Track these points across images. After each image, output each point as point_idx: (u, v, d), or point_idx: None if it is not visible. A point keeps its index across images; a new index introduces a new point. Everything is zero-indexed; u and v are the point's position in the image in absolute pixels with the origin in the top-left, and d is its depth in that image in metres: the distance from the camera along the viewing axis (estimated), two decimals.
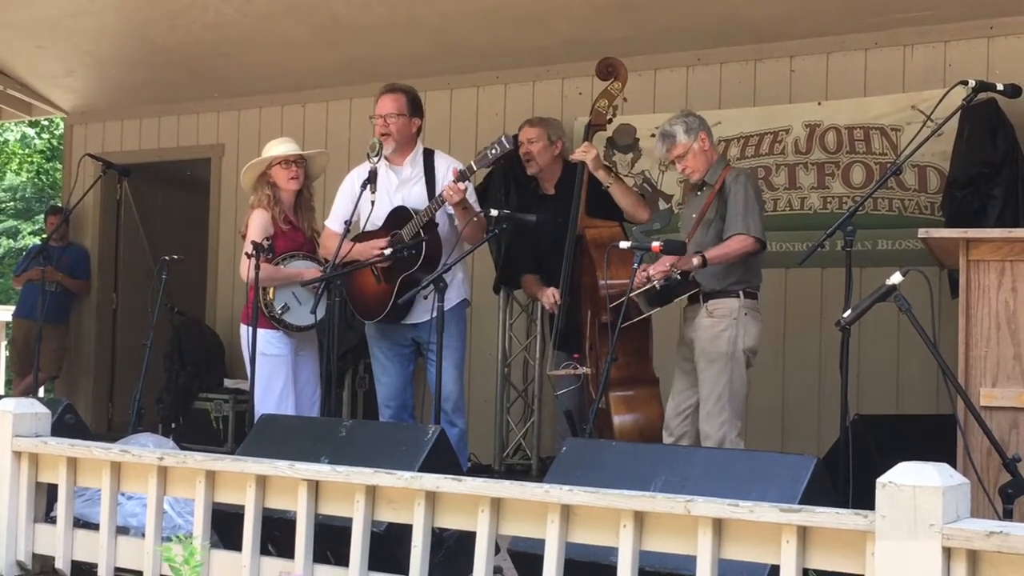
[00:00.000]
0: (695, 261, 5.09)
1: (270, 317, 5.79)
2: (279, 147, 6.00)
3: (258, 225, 5.88)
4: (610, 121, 5.96)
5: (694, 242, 5.26)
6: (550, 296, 5.79)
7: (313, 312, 5.69)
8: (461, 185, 5.39)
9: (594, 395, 5.21)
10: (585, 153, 5.73)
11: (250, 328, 5.72)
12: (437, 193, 5.59)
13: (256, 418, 5.72)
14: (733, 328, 5.26)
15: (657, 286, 5.01)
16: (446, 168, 5.68)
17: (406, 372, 5.81)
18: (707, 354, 5.27)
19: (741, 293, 5.31)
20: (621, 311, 4.78)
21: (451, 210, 5.51)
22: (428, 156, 5.78)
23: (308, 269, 5.86)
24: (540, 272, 6.03)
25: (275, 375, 5.79)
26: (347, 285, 5.68)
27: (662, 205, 7.57)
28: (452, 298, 5.54)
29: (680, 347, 5.48)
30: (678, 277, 5.01)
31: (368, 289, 5.73)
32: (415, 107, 5.75)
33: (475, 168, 5.46)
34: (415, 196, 5.69)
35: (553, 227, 5.76)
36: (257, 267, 5.64)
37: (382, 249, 5.53)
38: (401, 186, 5.73)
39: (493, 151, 5.36)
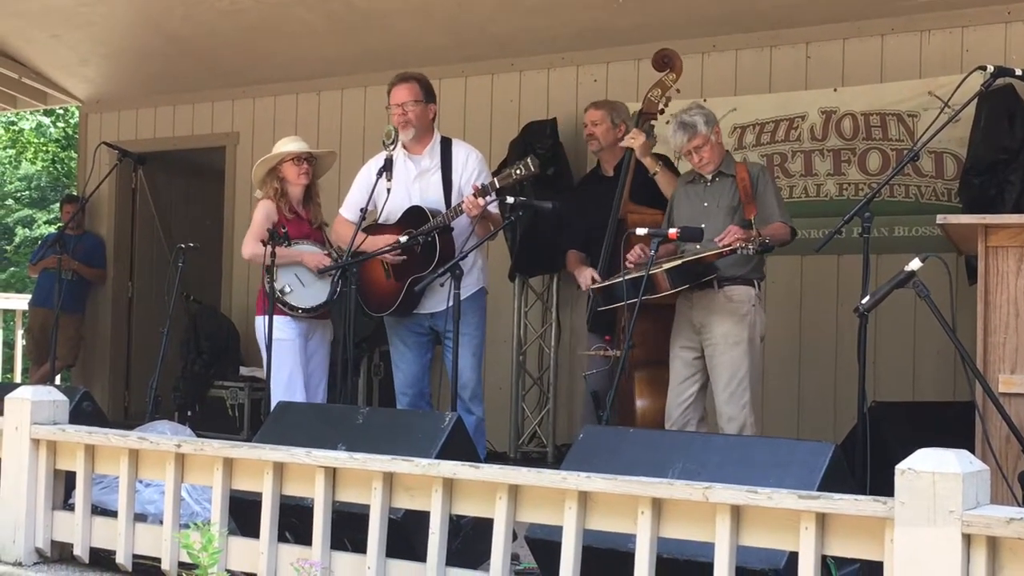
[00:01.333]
0: (764, 235, 5.07)
1: (279, 301, 5.83)
2: (290, 144, 6.08)
3: (263, 212, 5.96)
4: (662, 111, 6.03)
5: (714, 229, 5.26)
6: (588, 277, 5.82)
7: (331, 298, 5.71)
8: (481, 201, 5.39)
9: (624, 377, 5.26)
10: (633, 139, 5.82)
11: (265, 318, 5.76)
12: (455, 184, 5.61)
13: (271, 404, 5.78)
14: (752, 314, 5.35)
15: (751, 251, 4.97)
16: (465, 157, 5.69)
17: (424, 360, 5.82)
18: (729, 337, 5.30)
19: (756, 282, 5.40)
20: (641, 286, 4.80)
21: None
22: (446, 145, 5.78)
23: (312, 251, 5.88)
24: (587, 251, 6.05)
25: (283, 360, 5.81)
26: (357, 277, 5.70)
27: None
28: (471, 286, 5.54)
29: (680, 335, 5.48)
30: (756, 247, 4.98)
31: (377, 284, 5.73)
32: (429, 93, 5.77)
33: (496, 186, 5.45)
34: (432, 187, 5.70)
35: (608, 208, 5.83)
36: (273, 254, 5.66)
37: (395, 242, 5.54)
38: (419, 176, 5.73)
39: (518, 171, 5.37)
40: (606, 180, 6.19)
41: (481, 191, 5.40)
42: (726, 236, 5.09)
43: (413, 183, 5.73)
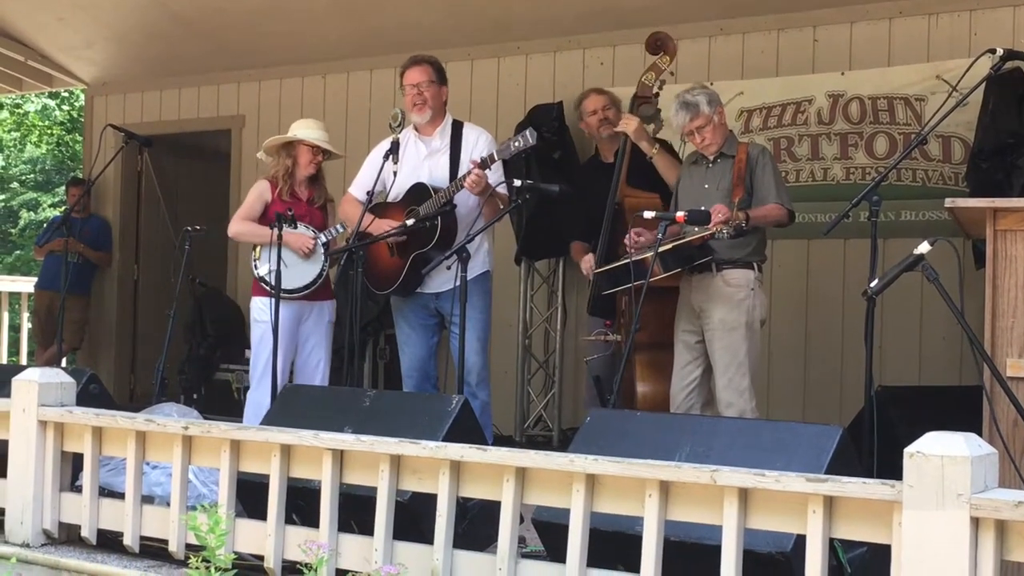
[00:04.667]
0: (741, 216, 5.09)
1: (259, 279, 5.84)
2: (312, 132, 6.09)
3: (256, 191, 6.08)
4: (657, 95, 6.00)
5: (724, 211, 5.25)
6: (587, 262, 5.83)
7: (318, 279, 5.79)
8: (481, 173, 5.39)
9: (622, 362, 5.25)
10: (627, 124, 5.80)
11: (254, 298, 5.89)
12: (463, 164, 5.61)
13: (252, 385, 5.89)
14: (751, 298, 5.32)
15: (726, 235, 4.99)
16: (475, 139, 5.71)
17: (430, 343, 5.82)
18: (727, 322, 5.28)
19: (755, 265, 5.37)
20: (648, 272, 4.80)
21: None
22: (457, 127, 5.80)
23: (299, 233, 5.88)
24: (590, 239, 6.05)
25: (263, 342, 5.83)
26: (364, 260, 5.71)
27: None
28: (476, 268, 5.54)
29: (682, 319, 5.47)
30: (731, 231, 5.00)
31: (381, 261, 5.74)
32: (441, 75, 5.81)
33: (496, 158, 5.45)
34: (440, 168, 5.71)
35: (607, 195, 5.82)
36: (279, 237, 5.66)
37: (401, 224, 5.55)
38: (429, 156, 5.75)
39: (516, 143, 5.37)
40: (605, 167, 6.17)
41: (480, 164, 5.40)
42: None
43: (423, 163, 5.74)
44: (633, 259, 5.11)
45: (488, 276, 5.79)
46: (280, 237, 5.67)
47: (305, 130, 6.08)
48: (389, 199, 5.78)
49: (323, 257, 5.91)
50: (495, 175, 5.51)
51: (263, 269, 5.84)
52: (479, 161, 5.42)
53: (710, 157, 5.45)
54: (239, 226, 6.07)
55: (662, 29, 6.07)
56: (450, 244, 5.42)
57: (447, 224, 5.52)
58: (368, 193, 5.70)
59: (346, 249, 5.55)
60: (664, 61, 5.96)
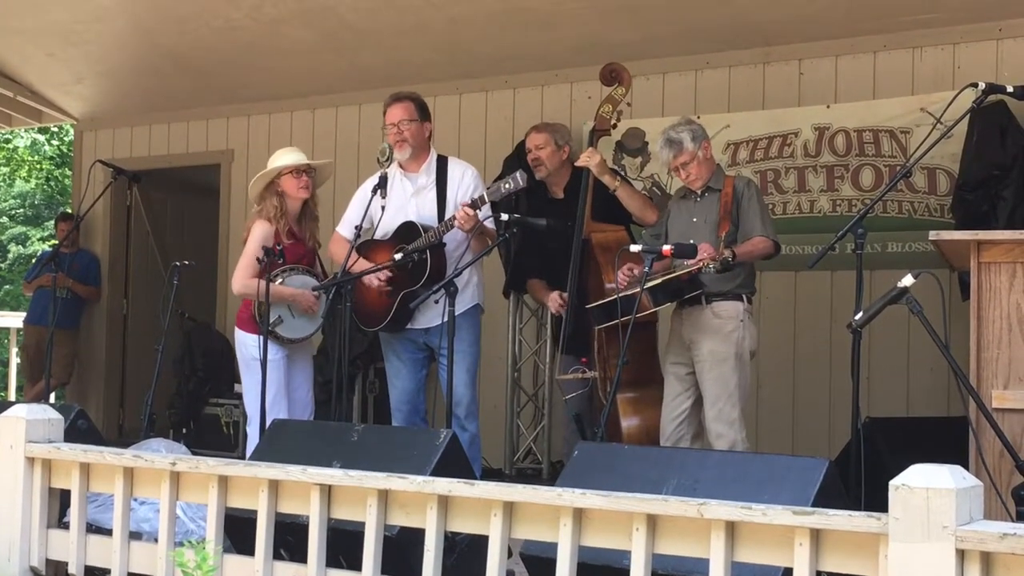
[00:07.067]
0: (726, 252, 5.09)
1: (269, 330, 5.82)
2: (288, 156, 5.99)
3: (258, 238, 5.87)
4: (615, 126, 6.00)
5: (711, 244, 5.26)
6: (555, 300, 5.83)
7: (322, 317, 5.74)
8: (471, 212, 5.40)
9: (603, 398, 5.23)
10: (589, 159, 5.75)
11: (246, 334, 5.83)
12: (450, 200, 5.64)
13: (251, 422, 5.79)
14: (740, 330, 5.33)
15: (713, 269, 5.01)
16: (460, 174, 5.72)
17: (419, 376, 5.83)
18: (716, 354, 5.29)
19: (744, 297, 5.40)
20: (635, 306, 4.81)
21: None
22: (442, 163, 5.82)
23: (306, 287, 5.86)
24: (547, 276, 6.04)
25: (268, 380, 5.78)
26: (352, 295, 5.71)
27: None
28: (465, 302, 5.56)
29: (672, 352, 5.49)
30: (718, 267, 5.02)
31: (370, 298, 5.74)
32: (424, 111, 5.81)
33: (487, 200, 5.47)
34: (427, 205, 5.73)
35: (561, 231, 5.78)
36: (268, 274, 5.65)
37: (379, 283, 5.60)
38: (416, 194, 5.77)
39: (507, 185, 5.40)
40: (556, 202, 6.13)
41: (471, 205, 5.41)
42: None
43: (409, 200, 5.75)
44: (627, 293, 5.12)
45: (478, 309, 5.80)
46: (269, 275, 5.65)
47: (281, 159, 5.98)
48: (377, 236, 5.78)
49: (323, 307, 5.90)
50: (483, 212, 5.53)
51: (272, 319, 5.77)
52: (470, 203, 5.44)
53: (697, 191, 5.48)
54: (246, 287, 5.86)
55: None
56: (439, 280, 5.43)
57: (436, 263, 5.53)
58: (356, 228, 5.70)
59: (334, 283, 5.55)
60: (619, 92, 5.95)
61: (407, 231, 5.65)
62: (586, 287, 5.74)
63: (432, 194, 5.75)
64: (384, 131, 5.81)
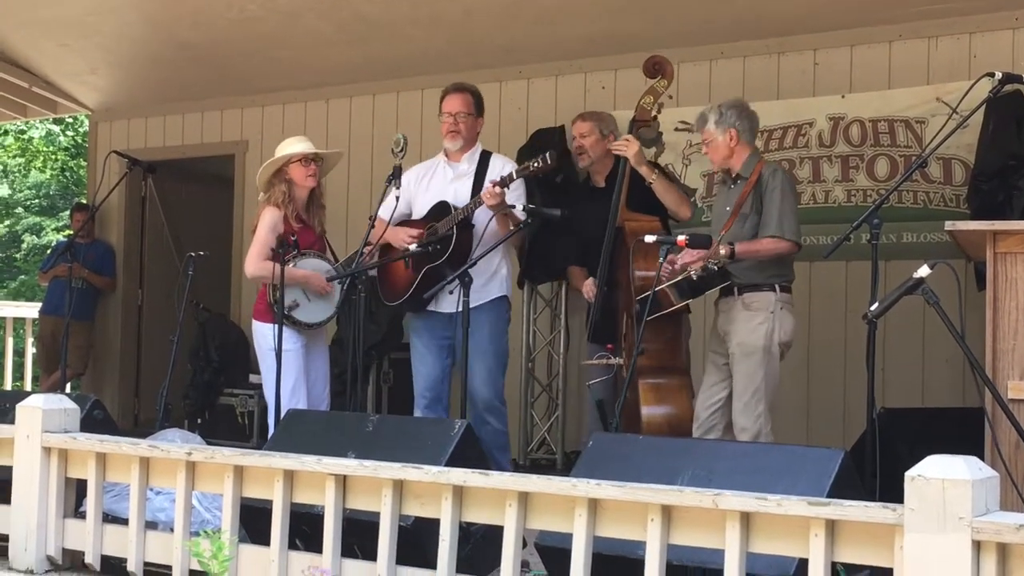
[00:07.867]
0: (723, 251, 5.07)
1: (285, 314, 5.83)
2: (297, 145, 6.01)
3: (268, 223, 5.89)
4: (655, 118, 5.98)
5: (730, 234, 5.24)
6: (588, 287, 5.83)
7: (337, 307, 5.74)
8: (497, 189, 5.41)
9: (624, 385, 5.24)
10: (624, 147, 5.74)
11: (264, 324, 5.83)
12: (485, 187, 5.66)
13: (270, 413, 5.78)
14: (770, 322, 5.25)
15: (694, 276, 5.01)
16: (500, 168, 5.75)
17: (443, 363, 5.81)
18: (744, 347, 5.25)
19: (777, 287, 5.31)
20: (647, 303, 4.80)
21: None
22: (485, 156, 5.88)
23: (318, 270, 5.88)
24: (587, 264, 6.04)
25: (287, 370, 5.79)
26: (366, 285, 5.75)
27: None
28: (492, 291, 5.61)
29: (712, 340, 5.48)
30: (714, 268, 5.02)
31: (395, 273, 5.80)
32: (480, 107, 5.88)
33: (515, 176, 5.48)
34: (462, 191, 5.77)
35: (602, 219, 5.79)
36: (283, 262, 5.66)
37: (411, 241, 5.62)
38: (455, 179, 5.84)
39: (535, 164, 5.40)
40: (597, 192, 6.12)
41: (500, 182, 5.43)
42: (678, 260, 5.14)
43: (449, 185, 5.82)
44: (666, 285, 5.12)
45: (505, 301, 5.79)
46: (283, 263, 5.66)
47: (290, 148, 6.00)
48: (414, 217, 5.85)
49: (338, 294, 5.91)
50: (513, 194, 5.53)
51: (287, 303, 5.79)
52: (498, 179, 5.45)
53: (732, 177, 5.46)
54: (259, 268, 5.88)
55: (662, 52, 6.09)
56: (463, 260, 5.43)
57: (461, 240, 5.55)
58: (371, 218, 5.77)
59: (346, 275, 5.57)
60: (662, 84, 5.95)
61: (440, 210, 5.72)
62: (617, 276, 5.73)
63: (470, 181, 5.78)
64: (439, 117, 5.84)
